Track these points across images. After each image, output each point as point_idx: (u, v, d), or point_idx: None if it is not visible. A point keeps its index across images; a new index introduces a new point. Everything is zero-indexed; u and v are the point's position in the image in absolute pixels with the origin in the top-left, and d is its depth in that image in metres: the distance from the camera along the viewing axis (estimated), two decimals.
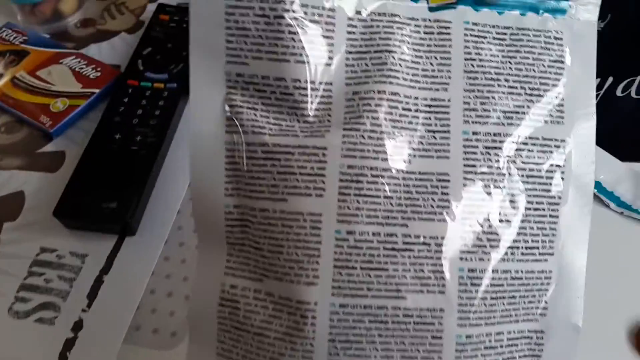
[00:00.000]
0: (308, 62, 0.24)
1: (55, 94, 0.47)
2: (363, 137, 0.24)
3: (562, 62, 0.26)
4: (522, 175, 0.25)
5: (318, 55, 0.24)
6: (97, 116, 0.45)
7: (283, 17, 0.24)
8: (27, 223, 0.42)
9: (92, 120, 0.46)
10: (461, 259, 0.25)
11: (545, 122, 0.26)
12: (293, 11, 0.24)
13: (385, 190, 0.24)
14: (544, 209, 0.26)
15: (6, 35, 0.51)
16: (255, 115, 0.25)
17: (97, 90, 0.47)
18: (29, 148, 0.46)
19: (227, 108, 0.25)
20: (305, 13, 0.24)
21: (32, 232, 0.41)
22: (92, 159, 0.42)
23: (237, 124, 0.25)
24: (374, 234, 0.24)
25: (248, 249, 0.26)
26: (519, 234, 0.25)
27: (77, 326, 0.36)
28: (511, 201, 0.25)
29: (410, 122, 0.25)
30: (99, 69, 0.49)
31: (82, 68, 0.49)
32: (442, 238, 0.24)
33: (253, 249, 0.25)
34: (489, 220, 0.25)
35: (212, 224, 0.26)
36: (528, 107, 0.26)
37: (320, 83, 0.25)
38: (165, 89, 0.46)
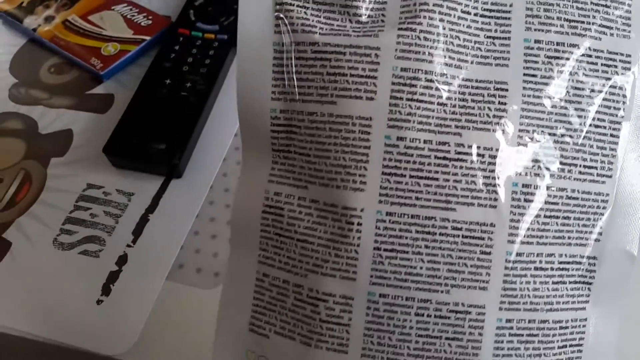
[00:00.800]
0: None
1: (107, 39, 0.47)
2: (419, 38, 0.23)
3: None
4: (586, 89, 0.24)
5: None
6: (147, 63, 0.45)
7: None
8: (75, 160, 0.42)
9: (142, 66, 0.46)
10: (516, 173, 0.23)
11: (611, 34, 0.24)
12: None
13: (439, 97, 0.23)
14: (605, 127, 0.24)
15: None
16: (306, 13, 0.24)
17: (148, 37, 0.47)
18: (78, 89, 0.46)
19: (276, 6, 0.24)
20: None
21: (80, 169, 0.41)
22: (142, 102, 0.42)
23: (287, 22, 0.24)
24: (425, 142, 0.23)
25: (294, 155, 0.25)
26: (577, 151, 0.24)
27: (122, 260, 0.36)
28: (572, 115, 0.24)
29: (469, 26, 0.24)
30: (150, 17, 0.48)
31: (133, 15, 0.48)
32: (497, 150, 0.23)
33: (299, 155, 0.25)
34: (547, 134, 0.24)
35: (257, 130, 0.25)
36: (593, 17, 0.24)
37: None
38: (216, 39, 0.46)
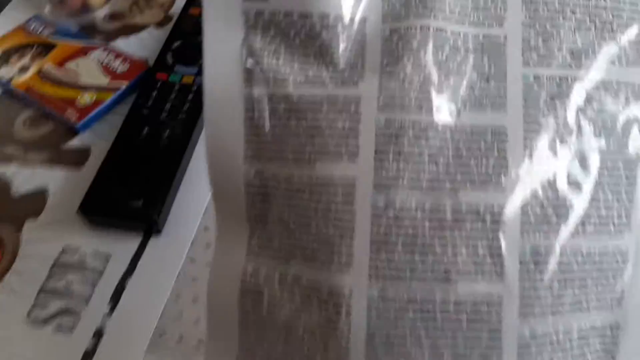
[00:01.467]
0: None
1: (82, 88, 0.45)
2: (403, 84, 0.20)
3: None
4: (594, 129, 0.21)
5: None
6: (124, 110, 0.43)
7: None
8: (50, 221, 0.39)
9: (120, 114, 0.43)
10: (522, 234, 0.20)
11: (620, 63, 0.21)
12: None
13: (430, 150, 0.20)
14: (619, 170, 0.21)
15: (34, 27, 0.49)
16: (278, 62, 0.21)
17: (125, 84, 0.45)
18: (53, 143, 0.43)
19: (245, 55, 0.21)
20: None
21: (55, 231, 0.38)
22: (118, 154, 0.40)
23: (257, 74, 0.21)
24: (417, 205, 0.20)
25: (272, 225, 0.22)
26: (591, 201, 0.20)
27: (98, 334, 0.33)
28: (581, 161, 0.20)
29: (459, 65, 0.21)
30: (127, 62, 0.46)
31: (110, 61, 0.46)
32: (500, 209, 0.20)
33: (278, 224, 0.21)
34: (555, 185, 0.20)
35: (230, 195, 0.22)
36: (599, 45, 0.21)
37: (352, 20, 0.21)
38: (194, 83, 0.43)
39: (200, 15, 0.52)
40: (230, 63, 0.21)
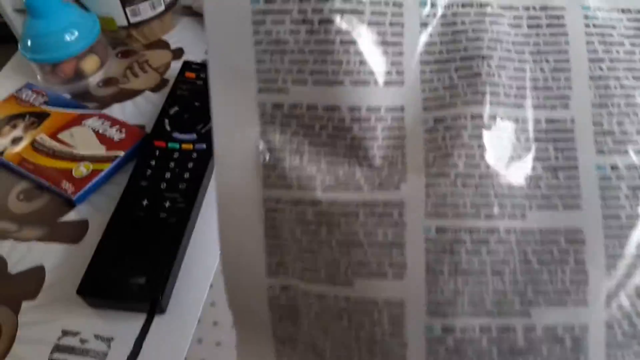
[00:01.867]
0: (369, 83, 0.17)
1: (78, 158, 0.44)
2: (455, 184, 0.17)
3: None
4: None
5: (382, 71, 0.18)
6: (122, 180, 0.42)
7: (332, 22, 0.17)
8: (48, 302, 0.37)
9: (118, 184, 0.42)
10: (609, 356, 0.17)
11: None
12: (345, 11, 0.17)
13: (493, 263, 0.17)
14: None
15: (26, 96, 0.48)
16: (302, 161, 0.18)
17: (122, 153, 0.44)
18: (49, 217, 0.42)
19: (262, 154, 0.18)
20: (362, 12, 0.17)
21: (54, 312, 0.37)
22: (117, 229, 0.38)
23: (278, 175, 0.18)
24: (482, 330, 0.17)
25: (303, 349, 0.19)
26: None
27: None
28: None
29: (519, 157, 0.18)
30: (123, 129, 0.45)
31: (105, 129, 0.45)
32: (582, 329, 0.17)
33: (310, 350, 0.19)
34: None
35: (253, 313, 0.19)
36: None
37: (388, 109, 0.18)
38: (194, 149, 0.42)
39: (196, 78, 0.51)
40: (245, 164, 0.18)
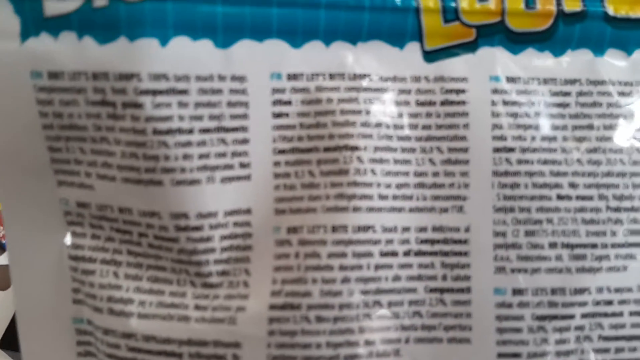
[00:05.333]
0: (199, 181, 0.13)
1: None
2: (308, 319, 0.14)
3: None
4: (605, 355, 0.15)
5: (219, 164, 0.14)
6: None
7: (140, 106, 0.13)
8: None
9: None
10: None
11: None
12: (158, 92, 0.13)
13: None
14: None
15: None
16: (117, 275, 0.14)
17: None
18: None
19: (69, 262, 0.15)
20: (184, 92, 0.13)
21: None
22: None
23: (86, 291, 0.14)
24: None
25: None
26: None
27: None
28: None
29: (396, 279, 0.14)
30: None
31: None
32: None
33: None
34: None
35: None
36: (613, 233, 0.15)
37: (229, 213, 0.14)
38: None
39: None
40: (49, 274, 0.15)
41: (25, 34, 0.13)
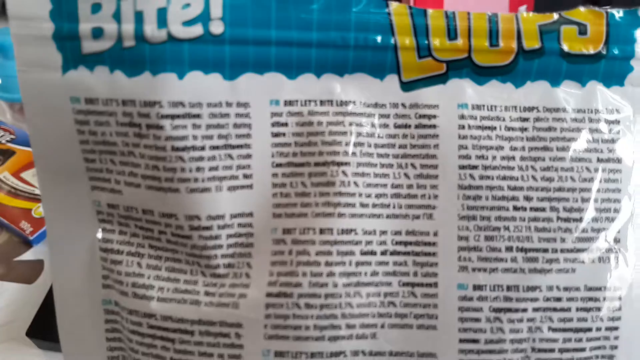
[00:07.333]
0: (209, 189, 0.16)
1: (39, 198, 0.44)
2: (298, 305, 0.16)
3: (620, 161, 0.17)
4: (551, 348, 0.17)
5: (226, 176, 0.16)
6: None
7: (161, 127, 0.15)
8: None
9: None
10: None
11: (592, 261, 0.17)
12: (176, 116, 0.15)
13: None
14: None
15: None
16: (140, 265, 0.17)
17: None
18: (5, 256, 0.42)
19: (97, 256, 0.17)
20: (197, 116, 0.16)
21: (3, 353, 0.37)
22: None
23: (114, 278, 0.17)
24: None
25: None
26: None
27: None
28: None
29: (374, 274, 0.17)
30: None
31: None
32: None
33: None
34: None
35: None
36: (563, 239, 0.17)
37: (235, 216, 0.17)
38: None
39: None
40: (83, 263, 0.17)
41: (66, 67, 0.15)
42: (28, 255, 0.43)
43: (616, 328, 0.17)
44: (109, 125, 0.16)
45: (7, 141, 0.48)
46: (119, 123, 0.16)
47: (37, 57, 0.16)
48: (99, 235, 0.17)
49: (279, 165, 0.17)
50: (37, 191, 0.45)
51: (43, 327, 0.37)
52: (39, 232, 0.43)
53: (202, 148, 0.16)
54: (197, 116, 0.16)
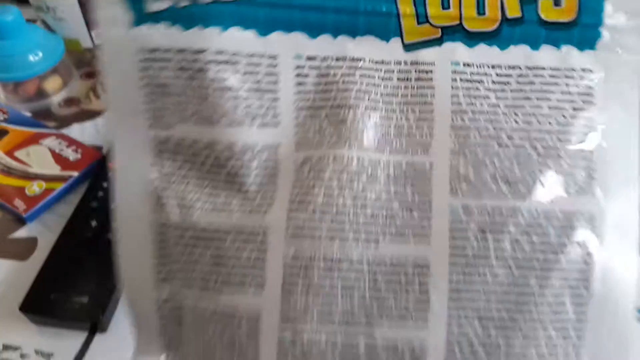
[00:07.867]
0: (243, 124, 0.20)
1: (32, 176, 0.45)
2: (313, 216, 0.19)
3: (591, 111, 0.20)
4: (533, 266, 0.20)
5: (258, 114, 0.20)
6: (76, 199, 0.43)
7: (207, 71, 0.19)
8: None
9: (70, 204, 0.43)
10: None
11: (568, 192, 0.20)
12: (219, 62, 0.19)
13: (344, 283, 0.19)
14: (567, 312, 0.20)
15: None
16: (186, 189, 0.21)
17: (76, 173, 0.45)
18: None
19: (153, 181, 0.21)
20: (236, 63, 0.19)
21: None
22: (64, 248, 0.40)
23: (165, 199, 0.20)
24: (327, 340, 0.19)
25: (186, 349, 0.21)
26: (525, 339, 0.20)
27: None
28: (517, 305, 0.20)
29: (378, 196, 0.20)
30: (79, 150, 0.47)
31: (62, 149, 0.47)
32: (421, 348, 0.19)
33: (190, 349, 0.21)
34: (483, 324, 0.19)
35: (145, 318, 0.22)
36: (541, 171, 0.20)
37: (263, 148, 0.20)
38: None
39: None
40: (139, 187, 0.21)
41: (133, 23, 0.19)
42: (22, 233, 0.45)
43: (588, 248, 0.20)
44: (166, 70, 0.19)
45: (1, 121, 0.49)
46: (175, 68, 0.19)
47: (112, 16, 0.19)
48: (154, 167, 0.21)
49: (301, 108, 0.20)
50: (30, 170, 0.46)
51: (36, 302, 0.38)
52: (32, 210, 0.45)
53: (239, 90, 0.19)
54: (236, 63, 0.19)
